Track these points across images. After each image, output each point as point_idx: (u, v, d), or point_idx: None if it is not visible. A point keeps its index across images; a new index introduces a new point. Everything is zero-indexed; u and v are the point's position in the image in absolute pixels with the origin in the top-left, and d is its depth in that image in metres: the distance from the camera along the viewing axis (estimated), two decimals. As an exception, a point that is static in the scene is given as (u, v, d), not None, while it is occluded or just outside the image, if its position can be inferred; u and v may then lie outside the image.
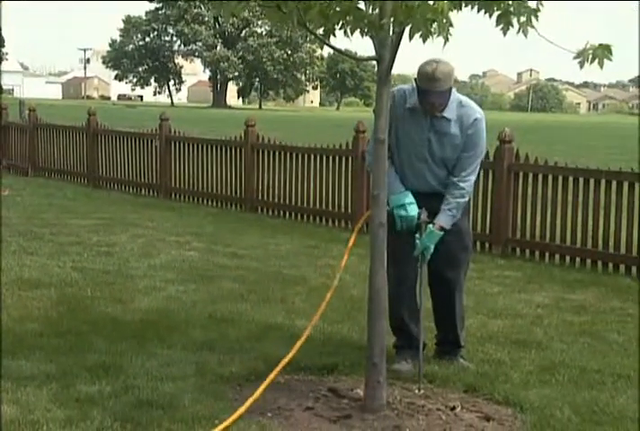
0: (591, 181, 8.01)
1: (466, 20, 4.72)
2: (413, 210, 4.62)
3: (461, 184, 4.66)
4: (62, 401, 4.11)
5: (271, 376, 4.28)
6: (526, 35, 3.62)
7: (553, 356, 5.13)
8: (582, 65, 3.53)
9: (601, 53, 3.49)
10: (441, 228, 4.61)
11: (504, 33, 3.65)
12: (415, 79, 4.58)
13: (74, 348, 4.94)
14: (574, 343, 5.46)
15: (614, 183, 7.87)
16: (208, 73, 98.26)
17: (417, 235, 4.60)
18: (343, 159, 10.21)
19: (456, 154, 4.66)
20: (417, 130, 4.67)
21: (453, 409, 4.21)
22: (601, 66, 3.51)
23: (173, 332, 5.38)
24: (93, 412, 3.99)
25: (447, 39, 3.66)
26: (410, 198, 4.64)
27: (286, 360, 4.39)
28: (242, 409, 3.99)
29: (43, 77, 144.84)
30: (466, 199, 4.72)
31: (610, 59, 3.50)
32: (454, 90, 4.61)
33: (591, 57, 3.52)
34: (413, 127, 4.67)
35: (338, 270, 4.73)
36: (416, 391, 4.45)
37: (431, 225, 4.59)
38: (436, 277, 4.84)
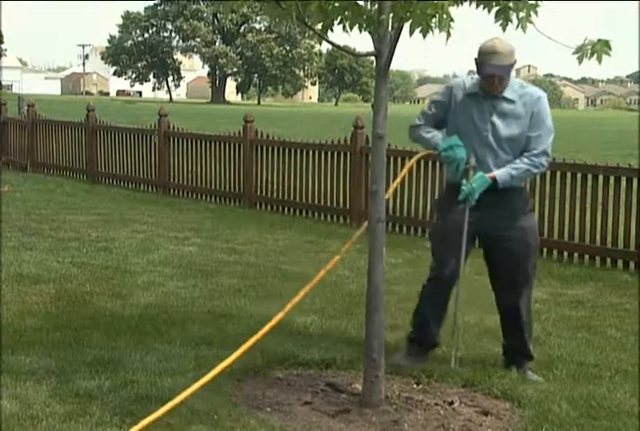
0: (589, 177, 8.02)
1: (463, 15, 4.71)
2: (462, 152, 4.48)
3: (533, 157, 4.52)
4: (61, 396, 4.11)
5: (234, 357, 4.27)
6: (525, 31, 3.61)
7: (551, 350, 5.14)
8: (580, 60, 3.53)
9: (600, 48, 3.49)
10: (493, 179, 4.47)
11: (503, 29, 3.65)
12: (476, 59, 4.47)
13: (73, 343, 4.94)
14: (572, 338, 5.47)
15: (612, 179, 7.87)
16: (206, 69, 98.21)
17: (463, 182, 4.49)
18: (342, 155, 10.21)
19: (522, 136, 4.52)
20: (479, 115, 4.55)
21: (451, 403, 4.21)
22: (600, 61, 3.51)
23: (172, 327, 5.38)
24: (92, 407, 3.99)
25: (449, 34, 3.65)
26: (458, 141, 4.50)
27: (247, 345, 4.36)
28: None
29: (42, 73, 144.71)
30: (533, 171, 4.58)
31: (609, 54, 3.50)
32: (513, 75, 4.56)
33: (589, 52, 3.52)
34: (475, 113, 4.56)
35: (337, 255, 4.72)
36: (414, 386, 4.45)
37: (481, 172, 4.49)
38: (501, 278, 4.71)
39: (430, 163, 9.35)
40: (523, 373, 4.65)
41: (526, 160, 4.52)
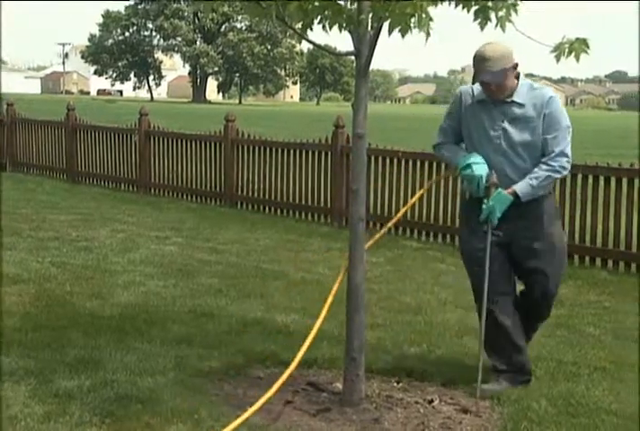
0: (568, 176, 8.05)
1: (444, 15, 4.70)
2: (480, 170, 4.28)
3: (551, 162, 4.27)
4: (40, 397, 4.08)
5: (285, 376, 4.24)
6: (504, 30, 3.63)
7: (530, 348, 5.13)
8: (558, 58, 3.55)
9: (578, 47, 3.51)
10: (514, 194, 4.26)
11: (482, 28, 3.65)
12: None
13: (52, 343, 4.91)
14: (551, 336, 5.49)
15: (590, 177, 7.92)
16: (187, 68, 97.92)
17: (485, 201, 4.28)
18: (323, 154, 10.21)
19: (537, 139, 4.29)
20: (490, 121, 4.34)
21: (431, 401, 4.22)
22: (578, 60, 3.53)
23: (153, 327, 5.35)
24: (71, 407, 3.96)
25: (429, 34, 3.65)
26: (477, 158, 4.31)
27: (298, 359, 4.24)
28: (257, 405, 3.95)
29: (22, 72, 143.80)
30: (554, 176, 4.32)
31: (587, 53, 3.52)
32: (522, 76, 4.35)
33: (567, 50, 3.54)
34: (485, 120, 4.35)
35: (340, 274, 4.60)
36: (395, 385, 4.46)
37: (500, 189, 4.28)
38: (530, 292, 4.52)
39: (410, 162, 9.37)
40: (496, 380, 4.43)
41: (544, 166, 4.29)
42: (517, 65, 4.28)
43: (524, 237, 4.38)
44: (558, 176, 4.37)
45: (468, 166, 4.32)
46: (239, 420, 3.72)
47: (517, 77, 4.33)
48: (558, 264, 4.51)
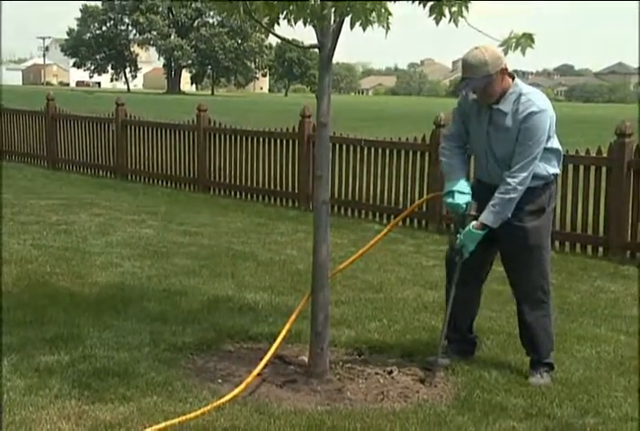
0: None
1: (403, 10, 4.69)
2: (461, 199, 4.13)
3: (508, 179, 4.03)
4: (22, 371, 4.05)
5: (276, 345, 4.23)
6: (457, 24, 3.64)
7: (482, 322, 5.20)
8: (506, 52, 3.59)
9: (524, 41, 3.55)
10: (483, 226, 4.08)
11: (437, 23, 3.67)
12: None
13: (33, 321, 4.86)
14: (502, 311, 5.55)
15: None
16: (162, 60, 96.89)
17: (460, 229, 4.15)
18: (290, 142, 10.19)
19: (513, 150, 4.06)
20: (479, 123, 4.16)
21: (390, 372, 4.26)
22: (524, 53, 3.57)
23: (129, 305, 5.33)
24: (51, 381, 3.94)
25: (388, 28, 3.65)
26: (461, 186, 4.15)
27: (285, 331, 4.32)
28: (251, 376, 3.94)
29: (3, 64, 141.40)
30: (512, 196, 4.03)
31: (532, 47, 3.56)
32: (517, 82, 4.08)
33: (514, 44, 3.57)
34: (477, 121, 4.18)
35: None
36: (357, 357, 4.49)
37: (473, 222, 4.10)
38: (509, 281, 4.42)
39: (372, 150, 9.39)
40: (536, 376, 4.25)
41: (501, 188, 4.06)
42: (505, 70, 4.02)
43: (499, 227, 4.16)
44: (517, 194, 4.05)
45: (451, 193, 4.17)
46: (229, 396, 3.73)
47: (513, 78, 4.09)
48: (525, 255, 4.28)
